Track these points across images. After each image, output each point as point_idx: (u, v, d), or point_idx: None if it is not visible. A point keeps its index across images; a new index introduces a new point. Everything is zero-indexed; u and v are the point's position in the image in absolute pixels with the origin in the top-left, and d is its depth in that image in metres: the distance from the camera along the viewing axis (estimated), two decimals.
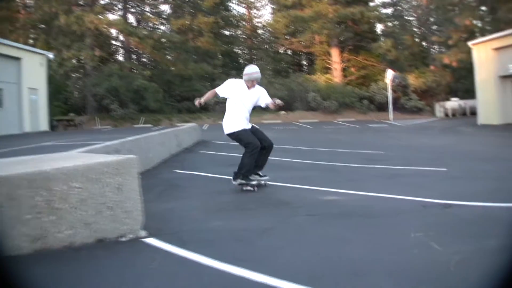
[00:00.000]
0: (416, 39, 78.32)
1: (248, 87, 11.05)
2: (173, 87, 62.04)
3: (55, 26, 55.22)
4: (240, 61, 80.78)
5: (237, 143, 11.14)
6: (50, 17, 55.54)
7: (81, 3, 56.86)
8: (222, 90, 11.20)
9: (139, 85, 54.54)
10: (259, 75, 11.21)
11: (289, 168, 14.54)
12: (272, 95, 23.03)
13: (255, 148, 10.67)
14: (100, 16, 54.59)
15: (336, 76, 64.02)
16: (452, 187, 10.38)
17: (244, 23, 79.52)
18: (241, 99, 11.01)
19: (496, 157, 16.94)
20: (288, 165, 15.34)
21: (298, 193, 9.98)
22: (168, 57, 66.87)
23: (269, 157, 11.29)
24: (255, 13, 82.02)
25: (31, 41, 59.19)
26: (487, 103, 38.30)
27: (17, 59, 39.91)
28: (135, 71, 63.42)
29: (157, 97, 56.35)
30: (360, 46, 64.96)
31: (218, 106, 55.56)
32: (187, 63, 62.73)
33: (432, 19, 75.90)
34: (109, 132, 38.00)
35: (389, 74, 53.64)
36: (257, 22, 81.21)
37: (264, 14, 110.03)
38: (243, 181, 10.63)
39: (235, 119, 10.89)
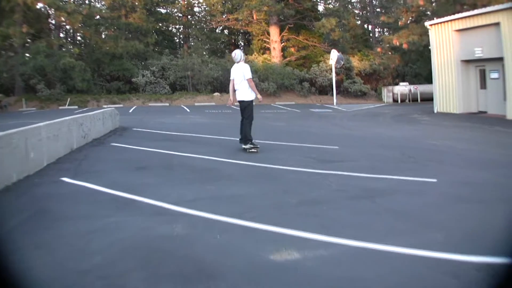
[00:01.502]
0: (358, 22, 76.13)
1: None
2: (103, 66, 58.42)
3: None
4: (175, 40, 79.32)
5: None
6: None
7: None
8: (231, 75, 15.47)
9: (66, 63, 50.72)
10: (233, 55, 15.54)
11: (210, 175, 11.44)
12: (205, 76, 41.09)
13: (252, 119, 15.29)
14: None
15: (275, 56, 60.64)
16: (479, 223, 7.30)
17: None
18: (233, 77, 15.33)
19: (488, 161, 14.01)
20: (209, 167, 12.45)
21: (223, 250, 6.26)
22: (100, 34, 63.46)
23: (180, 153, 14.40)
24: None
25: None
26: (446, 90, 35.44)
27: None
28: (64, 49, 59.23)
29: (84, 77, 52.62)
30: (301, 25, 62.24)
31: (149, 87, 53.61)
32: (117, 41, 59.23)
33: (377, 1, 74.68)
34: (24, 116, 35.24)
35: (334, 55, 50.67)
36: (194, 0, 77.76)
37: None
38: (252, 145, 14.82)
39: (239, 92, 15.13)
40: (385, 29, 76.17)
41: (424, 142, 18.70)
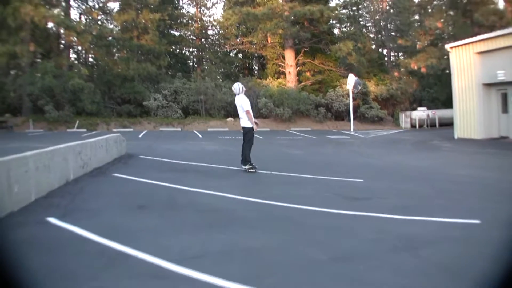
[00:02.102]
0: (373, 46, 75.10)
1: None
2: (114, 88, 57.06)
3: None
4: (189, 63, 77.91)
5: None
6: None
7: None
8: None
9: (74, 84, 49.48)
10: (233, 88, 18.03)
11: (220, 217, 9.79)
12: (219, 100, 45.18)
13: (252, 143, 17.29)
14: (42, 8, 48.76)
15: (290, 80, 59.16)
16: None
17: (192, 22, 75.60)
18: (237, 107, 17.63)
19: None
20: (219, 207, 10.78)
21: None
22: (111, 55, 62.27)
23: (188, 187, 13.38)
24: (204, 12, 77.86)
25: None
26: (467, 115, 34.18)
27: None
28: (73, 70, 57.61)
29: (94, 99, 51.47)
30: (317, 48, 61.12)
31: (161, 111, 52.41)
32: (129, 63, 58.11)
33: (392, 24, 73.60)
34: (28, 138, 34.11)
35: (351, 79, 49.46)
36: (207, 22, 77.12)
37: (215, 14, 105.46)
38: (251, 166, 16.67)
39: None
40: (399, 53, 75.24)
41: (450, 172, 17.50)
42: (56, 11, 51.69)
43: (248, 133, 17.15)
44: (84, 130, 46.47)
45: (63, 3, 58.54)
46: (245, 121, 17.19)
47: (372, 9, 76.86)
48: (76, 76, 51.70)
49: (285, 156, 23.41)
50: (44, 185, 11.33)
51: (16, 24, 47.91)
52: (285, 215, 9.90)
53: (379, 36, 77.71)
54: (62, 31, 56.03)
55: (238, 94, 17.42)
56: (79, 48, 63.14)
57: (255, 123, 17.50)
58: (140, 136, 38.18)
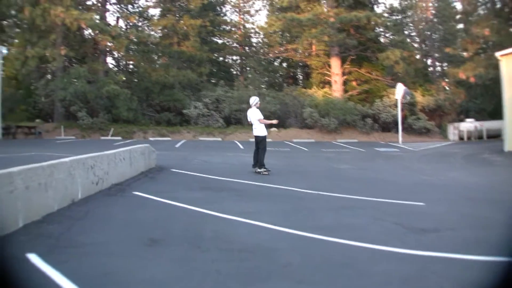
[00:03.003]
0: (417, 56, 72.66)
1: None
2: (152, 95, 55.73)
3: (20, 20, 49.71)
4: (232, 71, 76.86)
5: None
6: (16, 9, 49.91)
7: None
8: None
9: (109, 90, 47.96)
10: (251, 99, 19.70)
11: (257, 263, 7.14)
12: (263, 109, 28.45)
13: (266, 150, 18.94)
14: (74, 10, 46.89)
15: (336, 90, 56.86)
16: None
17: (235, 29, 74.91)
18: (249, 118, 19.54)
19: None
20: (257, 245, 8.14)
21: None
22: (149, 61, 61.02)
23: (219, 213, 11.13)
24: (247, 19, 76.87)
25: None
26: None
27: None
28: (109, 76, 56.26)
29: (130, 106, 49.97)
30: (363, 57, 58.65)
31: (201, 119, 51.06)
32: (168, 69, 57.03)
33: (437, 34, 72.72)
34: (53, 146, 32.32)
35: (400, 89, 47.26)
36: (250, 29, 75.84)
37: (258, 21, 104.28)
38: (264, 169, 18.40)
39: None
40: (445, 63, 73.84)
41: None
42: (89, 14, 49.82)
43: (262, 141, 18.84)
44: (119, 138, 45.00)
45: (99, 6, 57.36)
46: (258, 131, 18.90)
47: (416, 18, 75.05)
48: (112, 82, 50.16)
49: (333, 172, 20.86)
50: (38, 208, 9.09)
51: (46, 26, 46.55)
52: (342, 259, 7.36)
53: (423, 45, 76.02)
54: (96, 35, 54.23)
55: (251, 107, 19.25)
56: (116, 53, 61.99)
57: (274, 122, 20.67)
58: (177, 146, 36.44)
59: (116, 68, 65.04)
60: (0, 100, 39.33)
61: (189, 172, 18.24)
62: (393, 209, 11.82)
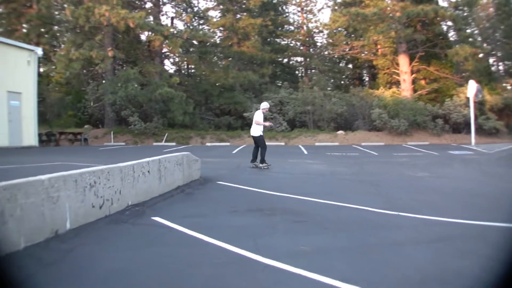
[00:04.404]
0: (480, 54, 69.75)
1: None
2: (211, 98, 54.24)
3: (62, 20, 48.65)
4: (297, 73, 75.89)
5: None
6: (57, 9, 49.66)
7: None
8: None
9: (163, 93, 45.50)
10: (262, 103, 21.65)
11: None
12: (328, 111, 45.93)
13: (266, 147, 20.97)
14: (120, 9, 44.69)
15: (405, 89, 54.19)
16: None
17: (297, 29, 73.31)
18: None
19: None
20: None
21: None
22: (207, 62, 58.46)
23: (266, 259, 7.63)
24: (310, 18, 74.15)
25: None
26: None
27: None
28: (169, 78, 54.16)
29: (186, 109, 47.77)
30: (431, 54, 55.82)
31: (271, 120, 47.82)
32: (228, 70, 54.48)
33: (500, 31, 69.32)
34: (94, 153, 31.18)
35: (472, 87, 43.73)
36: (314, 28, 73.39)
37: (321, 19, 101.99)
38: (265, 164, 20.53)
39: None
40: (506, 61, 71.23)
41: None
42: (138, 13, 47.17)
43: (259, 140, 20.75)
44: (173, 144, 42.85)
45: (152, 6, 55.67)
46: (253, 131, 20.81)
47: (478, 15, 72.00)
48: (166, 84, 47.70)
49: (410, 182, 17.03)
50: (34, 233, 6.99)
51: (90, 26, 44.74)
52: None
53: (486, 43, 72.50)
54: (147, 35, 53.04)
55: (259, 110, 21.05)
56: (172, 55, 60.18)
57: (267, 124, 21.81)
58: (234, 152, 33.88)
59: (172, 71, 63.73)
60: (36, 105, 37.24)
61: (238, 186, 14.74)
62: (497, 238, 8.20)
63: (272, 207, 11.18)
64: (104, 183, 9.45)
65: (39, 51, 37.97)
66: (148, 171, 11.71)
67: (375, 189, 12.48)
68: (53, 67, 53.30)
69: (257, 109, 22.02)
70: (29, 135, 35.60)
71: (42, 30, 54.11)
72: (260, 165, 20.56)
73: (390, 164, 24.70)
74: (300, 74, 74.84)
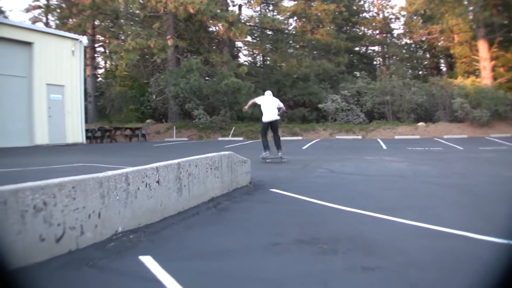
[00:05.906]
0: None
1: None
2: (284, 89, 52.46)
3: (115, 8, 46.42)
4: (375, 63, 75.35)
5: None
6: None
7: None
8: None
9: (228, 84, 43.79)
10: (267, 92, 20.58)
11: None
12: (408, 101, 46.22)
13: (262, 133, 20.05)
14: None
15: (485, 76, 51.33)
16: None
17: (374, 15, 72.33)
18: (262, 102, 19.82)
19: None
20: None
21: None
22: (279, 51, 56.72)
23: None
24: (386, 4, 72.56)
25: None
26: None
27: (27, 44, 30.84)
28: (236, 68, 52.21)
29: None
30: (510, 39, 52.43)
31: (340, 114, 47.59)
32: (301, 59, 52.89)
33: None
34: (143, 149, 29.88)
35: None
36: (390, 14, 72.13)
37: (397, 5, 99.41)
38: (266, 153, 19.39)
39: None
40: None
41: None
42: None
43: (278, 125, 20.32)
44: (241, 139, 41.28)
45: None
46: (274, 114, 19.34)
47: None
48: (232, 74, 45.94)
49: (509, 187, 12.47)
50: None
51: (147, 14, 43.48)
52: None
53: None
54: (212, 22, 51.12)
55: (267, 96, 20.08)
56: (243, 47, 60.26)
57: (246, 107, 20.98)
58: (304, 147, 30.73)
59: (241, 60, 62.69)
60: (83, 99, 35.72)
61: (295, 195, 10.64)
62: None
63: (333, 233, 7.12)
64: (65, 203, 6.09)
65: (84, 39, 36.16)
66: (157, 181, 8.09)
67: (469, 197, 9.28)
68: (110, 58, 51.83)
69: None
70: (74, 132, 33.64)
71: (98, 22, 53.76)
72: (282, 157, 19.18)
73: (478, 160, 21.28)
74: (377, 64, 73.82)
